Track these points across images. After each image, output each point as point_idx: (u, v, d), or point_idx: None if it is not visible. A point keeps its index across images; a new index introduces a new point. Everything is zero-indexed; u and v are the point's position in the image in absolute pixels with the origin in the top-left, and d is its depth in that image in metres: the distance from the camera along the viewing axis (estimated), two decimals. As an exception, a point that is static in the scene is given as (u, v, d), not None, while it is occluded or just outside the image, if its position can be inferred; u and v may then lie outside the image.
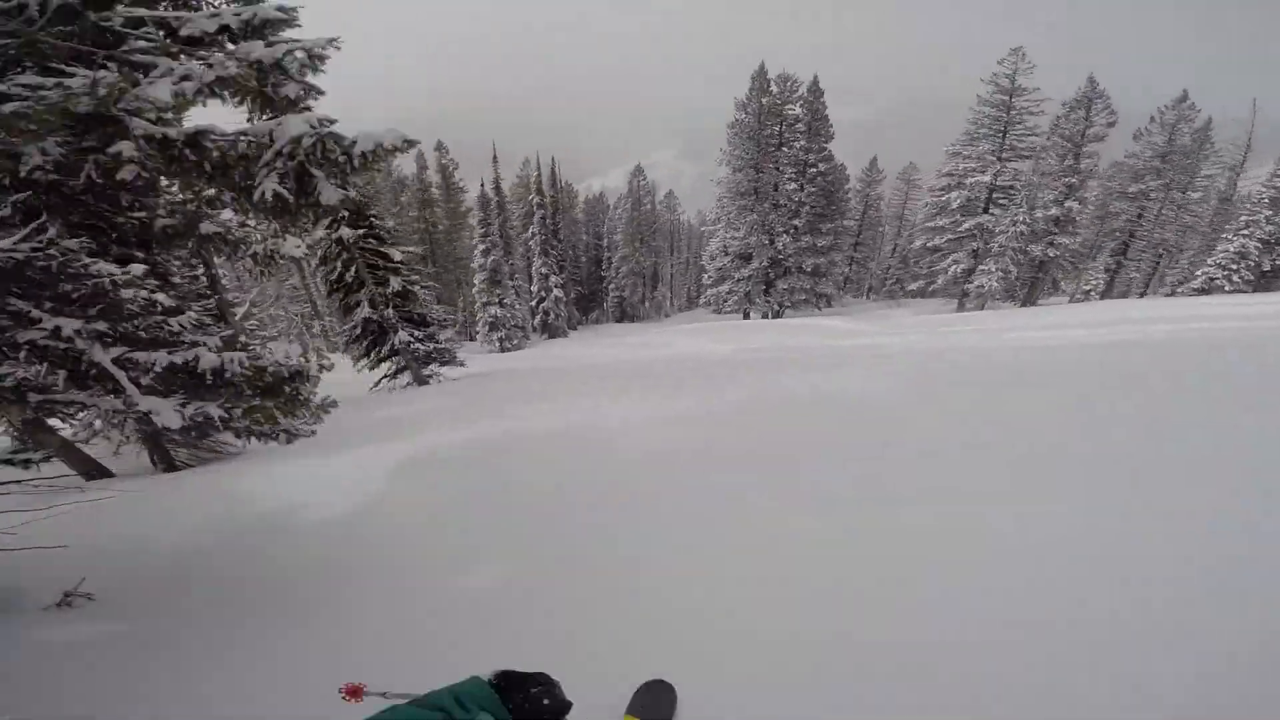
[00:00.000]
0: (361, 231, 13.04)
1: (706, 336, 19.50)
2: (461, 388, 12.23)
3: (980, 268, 28.28)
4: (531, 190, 32.15)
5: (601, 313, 49.21)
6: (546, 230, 31.52)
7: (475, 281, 26.90)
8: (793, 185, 32.58)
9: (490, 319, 26.53)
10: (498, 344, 26.90)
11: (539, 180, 31.94)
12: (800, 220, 32.90)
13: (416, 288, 13.95)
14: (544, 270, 31.01)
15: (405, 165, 38.45)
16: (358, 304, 13.64)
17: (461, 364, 15.22)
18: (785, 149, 32.58)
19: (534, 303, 32.03)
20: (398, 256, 13.60)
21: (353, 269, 13.33)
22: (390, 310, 13.66)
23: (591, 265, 49.76)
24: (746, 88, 31.33)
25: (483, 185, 28.49)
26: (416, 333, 13.88)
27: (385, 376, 14.46)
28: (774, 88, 31.28)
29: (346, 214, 12.82)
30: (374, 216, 13.55)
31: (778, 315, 33.85)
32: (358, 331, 13.76)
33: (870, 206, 48.92)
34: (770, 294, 34.14)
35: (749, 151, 31.94)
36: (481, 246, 26.45)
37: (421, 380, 14.66)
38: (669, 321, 40.81)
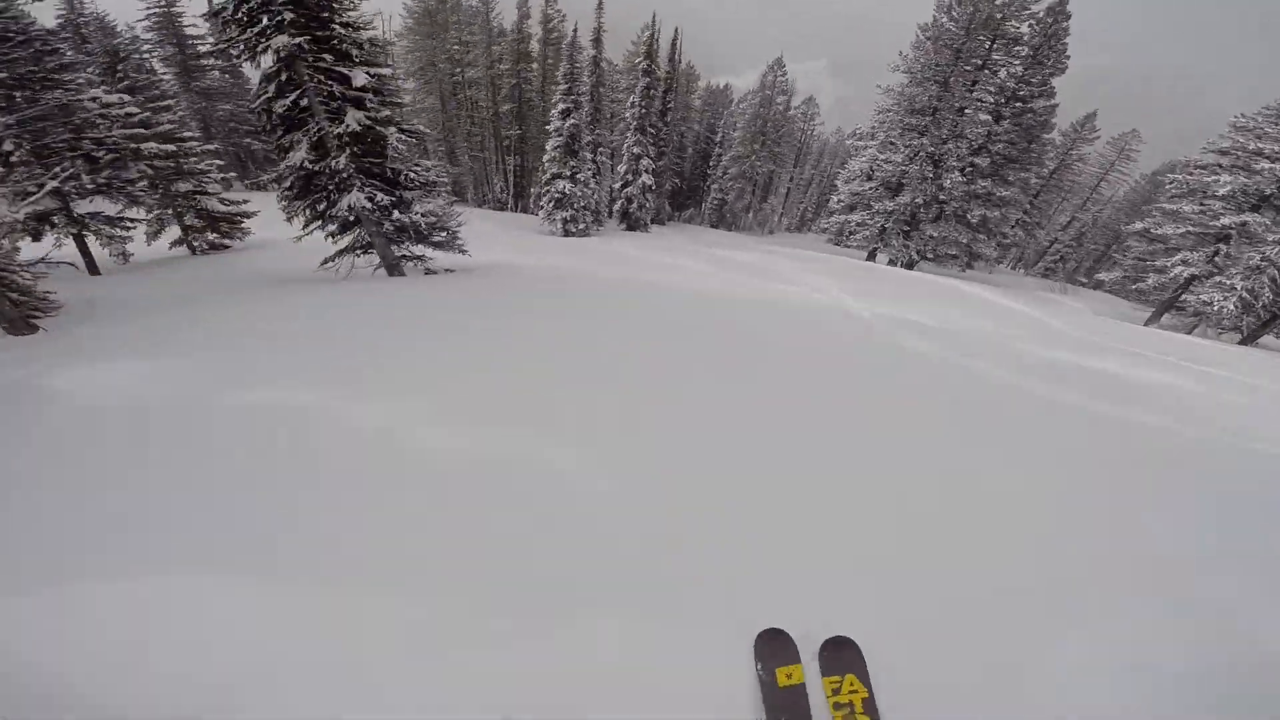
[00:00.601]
0: (304, 40, 7.95)
1: (830, 277, 13.64)
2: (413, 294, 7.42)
3: (1217, 279, 19.96)
4: (641, 55, 25.51)
5: (697, 213, 43.16)
6: (650, 104, 25.18)
7: (548, 148, 21.41)
8: (985, 116, 24.41)
9: (557, 195, 21.24)
10: (560, 226, 21.73)
11: (652, 43, 25.19)
12: (983, 159, 24.96)
13: (391, 131, 8.89)
14: (636, 150, 24.99)
15: (506, 14, 32.48)
16: (293, 145, 8.85)
17: (463, 250, 10.37)
18: (988, 70, 24.26)
19: (617, 184, 26.30)
20: (360, 80, 8.48)
21: (290, 97, 8.43)
22: (344, 159, 8.78)
23: (697, 160, 43.09)
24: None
25: (575, 31, 22.20)
26: (383, 197, 9.00)
27: (339, 254, 9.87)
28: None
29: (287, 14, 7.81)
30: (340, 20, 8.37)
31: (910, 265, 26.86)
32: (286, 184, 9.06)
33: (1064, 167, 38.86)
34: (912, 238, 26.91)
35: (941, 62, 23.81)
36: (561, 105, 20.68)
37: (393, 266, 10.00)
38: (772, 240, 34.25)
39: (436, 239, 10.06)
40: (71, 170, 10.47)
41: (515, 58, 30.37)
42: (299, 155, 8.73)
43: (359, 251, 9.99)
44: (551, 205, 21.70)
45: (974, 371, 6.41)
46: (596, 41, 22.59)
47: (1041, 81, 24.46)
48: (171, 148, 11.62)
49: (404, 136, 9.01)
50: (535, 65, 31.42)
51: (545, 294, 8.72)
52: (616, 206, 26.73)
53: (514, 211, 31.95)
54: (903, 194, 26.08)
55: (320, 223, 9.58)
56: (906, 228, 26.90)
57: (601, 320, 7.03)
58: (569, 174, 21.23)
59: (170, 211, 12.47)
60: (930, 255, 27.70)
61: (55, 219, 10.65)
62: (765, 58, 38.58)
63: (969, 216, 26.44)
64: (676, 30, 32.14)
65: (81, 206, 11.25)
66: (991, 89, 24.47)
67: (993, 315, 12.53)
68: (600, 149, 24.03)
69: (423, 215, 9.08)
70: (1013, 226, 28.03)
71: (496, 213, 29.53)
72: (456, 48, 30.37)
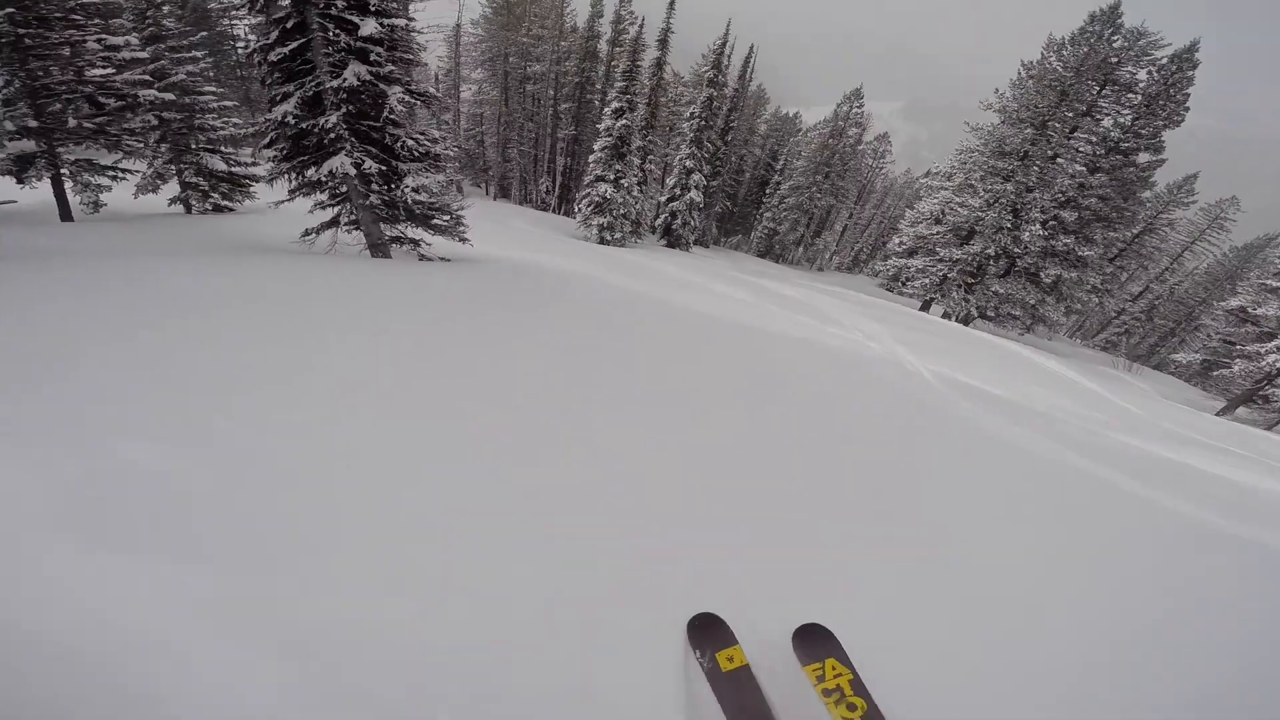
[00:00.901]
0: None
1: (884, 325, 11.86)
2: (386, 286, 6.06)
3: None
4: (709, 65, 24.21)
5: (744, 240, 41.49)
6: (711, 118, 23.82)
7: (595, 148, 20.19)
8: (1079, 166, 22.35)
9: (597, 199, 19.95)
10: (595, 232, 20.39)
11: (722, 54, 23.89)
12: (1070, 213, 22.83)
13: (395, 91, 7.64)
14: (689, 164, 23.61)
15: (581, 10, 31.75)
16: (284, 97, 7.69)
17: (464, 238, 9.05)
18: (1092, 117, 22.30)
19: (663, 198, 24.93)
20: (368, 29, 7.27)
21: (291, 45, 7.31)
22: (335, 118, 7.57)
23: (753, 186, 41.59)
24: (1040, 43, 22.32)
25: (640, 26, 21.04)
26: (371, 164, 7.73)
27: (322, 226, 8.64)
28: (1120, 39, 21.15)
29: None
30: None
31: (965, 320, 24.72)
32: (266, 141, 7.90)
33: (1150, 230, 35.84)
34: (974, 291, 24.75)
35: (1042, 103, 21.93)
36: (616, 104, 19.45)
37: (378, 247, 8.74)
38: (821, 277, 32.36)
39: (438, 222, 8.76)
40: (60, 111, 9.63)
41: (582, 55, 29.55)
42: (283, 109, 7.55)
43: (349, 227, 8.77)
44: (590, 209, 20.43)
45: (1073, 469, 4.71)
46: (662, 43, 21.30)
47: (1152, 134, 22.31)
48: (171, 97, 10.70)
49: (409, 98, 7.74)
50: (601, 66, 30.53)
51: (540, 298, 7.29)
52: (659, 221, 25.36)
53: (556, 214, 30.92)
54: (973, 243, 24.03)
55: (306, 190, 8.38)
56: (970, 280, 24.77)
57: (597, 342, 5.53)
58: (613, 178, 19.95)
59: (172, 166, 11.57)
60: (991, 313, 25.49)
61: (37, 161, 9.78)
62: (838, 96, 37.02)
63: (1042, 275, 24.26)
64: (752, 48, 30.87)
65: (76, 154, 10.41)
66: (1093, 138, 22.47)
67: (1068, 392, 10.61)
68: (650, 157, 22.71)
69: (413, 191, 7.75)
70: (1088, 291, 25.55)
71: (536, 212, 28.53)
72: (527, 40, 29.73)
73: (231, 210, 12.81)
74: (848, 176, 38.66)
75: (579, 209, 21.00)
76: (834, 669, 1.91)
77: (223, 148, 12.27)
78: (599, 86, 30.98)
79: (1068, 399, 9.67)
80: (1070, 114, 22.03)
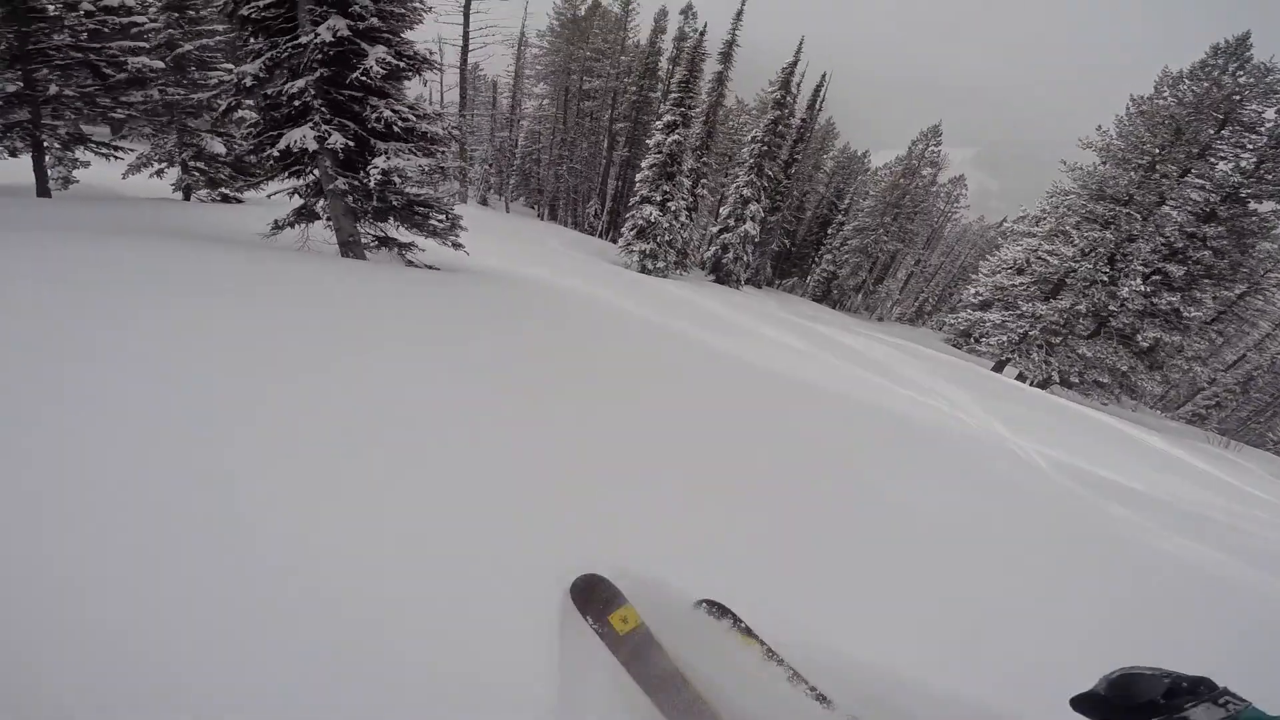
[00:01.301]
0: None
1: (966, 390, 9.69)
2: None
3: None
4: (776, 86, 22.63)
5: (800, 283, 39.14)
6: (775, 144, 22.11)
7: (642, 166, 18.69)
8: (1187, 214, 19.59)
9: (641, 222, 18.38)
10: (636, 259, 18.75)
11: (790, 75, 22.28)
12: (1177, 268, 19.88)
13: (377, 50, 6.19)
14: (746, 192, 21.83)
15: (644, 24, 30.95)
16: (254, 56, 6.39)
17: (458, 243, 7.49)
18: (1208, 160, 19.66)
19: (716, 229, 23.19)
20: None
21: None
22: (304, 82, 6.20)
23: (814, 226, 39.40)
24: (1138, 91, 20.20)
25: (702, 34, 19.52)
26: (338, 138, 6.27)
27: (293, 216, 7.21)
28: (1245, 75, 18.59)
29: None
30: None
31: (1043, 385, 21.84)
32: (226, 104, 6.58)
33: (1255, 290, 31.70)
34: (1055, 353, 21.94)
35: (1154, 141, 19.56)
36: (669, 117, 17.95)
37: (351, 245, 7.25)
38: (881, 328, 29.81)
39: (434, 222, 7.22)
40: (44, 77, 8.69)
41: (641, 73, 28.44)
42: (245, 69, 6.21)
43: (329, 221, 7.32)
44: (633, 234, 18.86)
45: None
46: (725, 56, 19.67)
47: (1278, 179, 19.18)
48: (161, 65, 9.67)
49: (394, 62, 6.26)
50: (660, 85, 29.38)
51: (535, 319, 5.61)
52: (709, 254, 23.59)
53: (603, 239, 29.60)
54: (1061, 297, 21.35)
55: (275, 173, 7.00)
56: (1053, 340, 21.97)
57: (594, 400, 3.77)
58: (660, 199, 18.40)
59: (165, 147, 10.54)
60: (1075, 379, 22.49)
61: (12, 131, 8.84)
62: (907, 140, 34.87)
63: (1138, 338, 21.19)
64: (824, 75, 29.15)
65: (68, 126, 9.48)
66: (1208, 183, 19.61)
67: (1198, 481, 8.33)
68: (704, 181, 21.10)
69: (382, 174, 6.20)
70: (1189, 359, 22.23)
71: (577, 234, 27.21)
72: (589, 54, 28.96)
73: (240, 201, 11.74)
74: (917, 219, 36.20)
75: (622, 233, 19.47)
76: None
77: (233, 130, 11.21)
78: (656, 107, 29.88)
79: (1207, 491, 7.49)
80: (1183, 155, 19.38)
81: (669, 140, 17.91)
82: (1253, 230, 19.97)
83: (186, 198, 11.19)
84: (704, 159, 20.61)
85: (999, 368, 22.51)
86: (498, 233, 15.94)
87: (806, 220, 38.80)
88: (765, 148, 22.04)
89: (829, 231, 36.77)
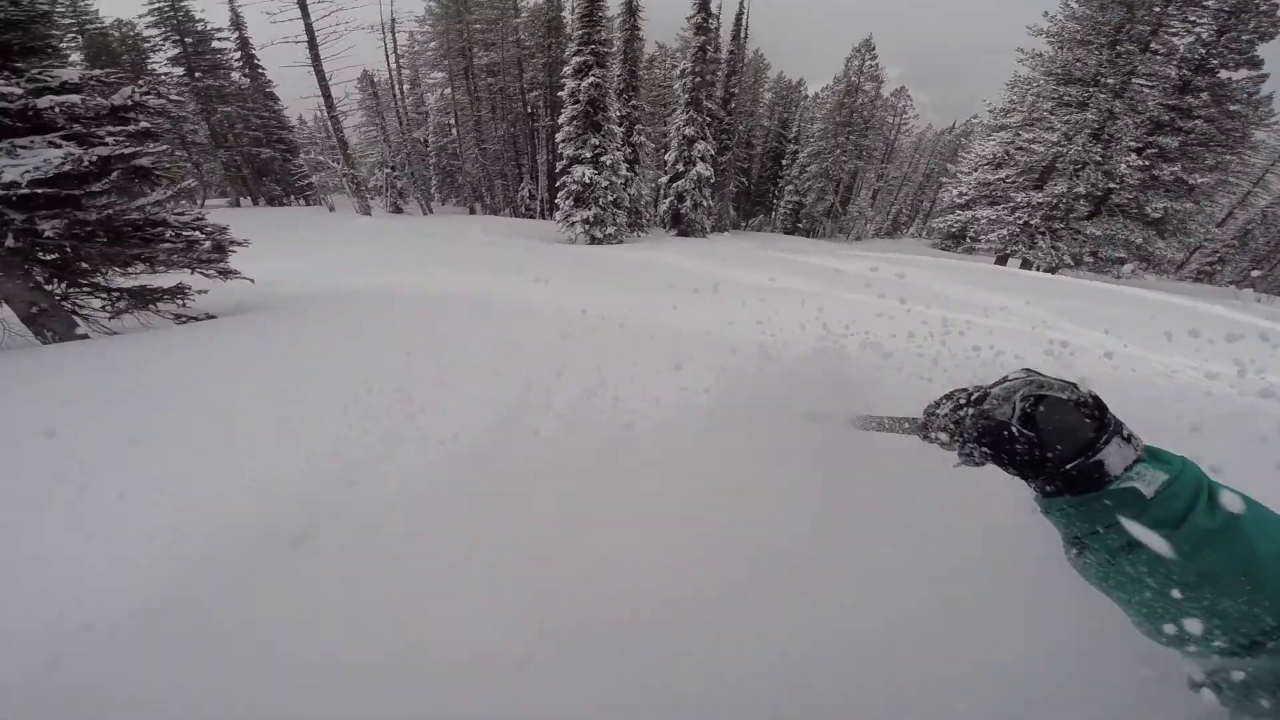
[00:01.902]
0: None
1: (1015, 295, 7.27)
2: None
3: None
4: (695, 11, 19.73)
5: (766, 220, 37.11)
6: (705, 72, 19.33)
7: (560, 123, 15.77)
8: (1164, 88, 18.92)
9: (576, 186, 15.58)
10: (582, 230, 15.99)
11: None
12: (1171, 139, 18.80)
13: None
14: (689, 131, 19.07)
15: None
16: None
17: (227, 270, 4.79)
18: (1162, 34, 18.58)
19: (665, 179, 20.45)
20: None
21: None
22: None
23: (767, 161, 37.10)
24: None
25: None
26: None
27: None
28: None
29: None
30: None
31: (1054, 271, 19.85)
32: None
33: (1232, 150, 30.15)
34: (1061, 237, 19.86)
35: (1108, 18, 18.44)
36: (577, 59, 15.05)
37: (46, 321, 4.47)
38: (865, 246, 27.50)
39: (168, 246, 4.47)
40: None
41: (544, 30, 25.15)
42: None
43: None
44: (570, 203, 16.02)
45: None
46: (632, -16, 16.74)
47: (1244, 49, 18.33)
48: None
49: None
50: (570, 43, 26.20)
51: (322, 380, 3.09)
52: (665, 208, 20.89)
53: (545, 218, 26.63)
54: (1054, 183, 19.29)
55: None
56: (1057, 225, 19.83)
57: None
58: (591, 155, 15.53)
59: None
60: (1089, 259, 20.51)
61: None
62: (834, 68, 32.91)
63: (1147, 209, 19.29)
64: (742, 2, 26.26)
65: None
66: (1173, 56, 18.56)
67: None
68: (639, 127, 18.33)
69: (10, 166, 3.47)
70: (1205, 222, 20.73)
71: (511, 220, 24.28)
72: (478, 27, 25.70)
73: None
74: (870, 135, 34.28)
75: (558, 205, 16.60)
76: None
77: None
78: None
79: None
80: (1145, 29, 18.38)
81: (584, 85, 14.98)
82: (1237, 97, 19.08)
83: None
84: (633, 102, 17.81)
85: (1001, 261, 20.50)
86: (394, 238, 13.37)
87: (758, 155, 36.71)
88: (698, 79, 19.32)
89: (784, 163, 34.80)
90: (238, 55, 26.38)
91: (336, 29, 18.39)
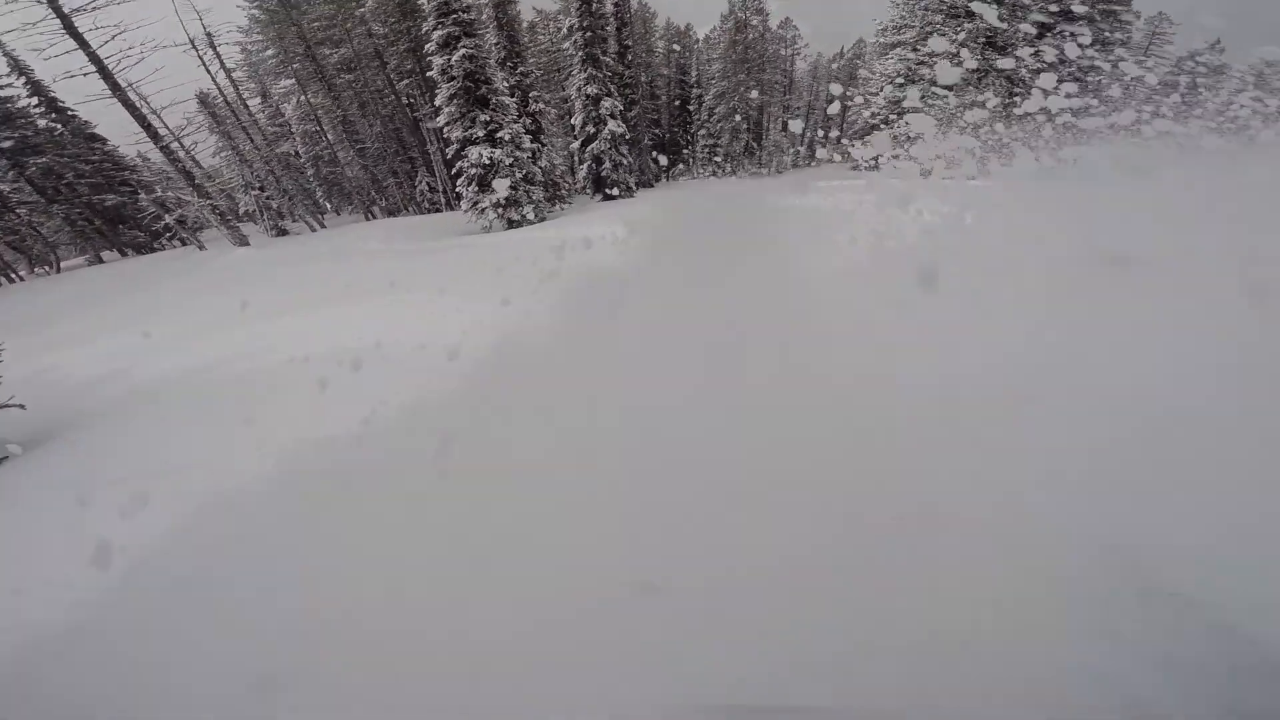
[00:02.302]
0: None
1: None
2: None
3: None
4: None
5: (687, 170, 35.99)
6: (594, 28, 17.41)
7: (438, 103, 13.51)
8: None
9: (474, 170, 13.59)
10: (493, 216, 13.98)
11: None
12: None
13: None
14: (591, 89, 17.18)
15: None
16: None
17: None
18: None
19: (577, 144, 18.53)
20: None
21: None
22: None
23: (675, 109, 36.03)
24: None
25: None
26: None
27: None
28: None
29: None
30: None
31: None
32: None
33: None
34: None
35: None
36: (440, 31, 12.87)
37: None
38: (795, 177, 26.53)
39: None
40: None
41: (398, 15, 22.12)
42: None
43: None
44: (474, 188, 13.97)
45: None
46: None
47: None
48: None
49: None
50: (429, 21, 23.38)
51: None
52: (582, 173, 19.04)
53: (452, 210, 24.05)
54: (963, 94, 19.04)
55: None
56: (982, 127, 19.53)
57: None
58: (484, 134, 13.48)
59: None
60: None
61: None
62: (717, 5, 31.97)
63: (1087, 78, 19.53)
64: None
65: None
66: None
67: None
68: (533, 94, 16.32)
69: None
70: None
71: (415, 218, 21.73)
72: (317, 25, 22.52)
73: None
74: (768, 68, 33.52)
75: (461, 193, 14.49)
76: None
77: None
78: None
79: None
80: None
81: (456, 58, 12.77)
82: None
83: None
84: (520, 70, 15.76)
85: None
86: (260, 274, 11.43)
87: (665, 105, 36.00)
88: (589, 34, 17.46)
89: (690, 109, 34.23)
90: (35, 101, 22.43)
91: (130, 53, 15.51)
